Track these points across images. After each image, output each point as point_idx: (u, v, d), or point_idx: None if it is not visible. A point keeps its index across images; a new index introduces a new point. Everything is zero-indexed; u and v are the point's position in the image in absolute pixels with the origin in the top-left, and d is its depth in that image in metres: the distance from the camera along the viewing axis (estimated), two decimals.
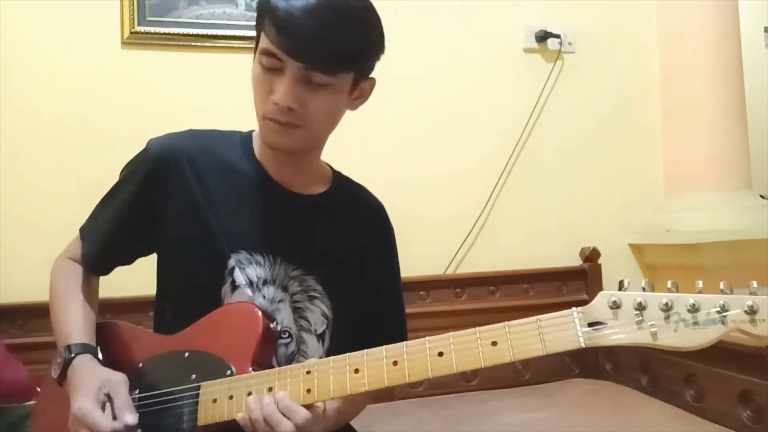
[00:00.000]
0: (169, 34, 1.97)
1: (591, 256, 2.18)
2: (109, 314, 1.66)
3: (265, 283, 1.02)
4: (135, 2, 1.93)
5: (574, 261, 2.22)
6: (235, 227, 1.03)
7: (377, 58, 1.02)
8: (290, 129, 0.97)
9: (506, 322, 0.80)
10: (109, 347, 1.04)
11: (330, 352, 1.03)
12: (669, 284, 0.76)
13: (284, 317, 1.03)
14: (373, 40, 1.00)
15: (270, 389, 0.87)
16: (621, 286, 0.78)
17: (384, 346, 0.85)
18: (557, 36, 2.27)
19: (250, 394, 0.88)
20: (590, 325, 0.77)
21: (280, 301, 1.03)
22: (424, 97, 2.17)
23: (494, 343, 0.80)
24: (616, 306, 0.76)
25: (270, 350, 0.97)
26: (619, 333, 0.76)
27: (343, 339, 1.05)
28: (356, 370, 0.85)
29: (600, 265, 2.18)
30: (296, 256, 1.05)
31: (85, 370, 0.96)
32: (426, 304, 2.06)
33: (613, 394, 1.88)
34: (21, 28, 1.86)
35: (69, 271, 1.11)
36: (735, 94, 2.22)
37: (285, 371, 0.88)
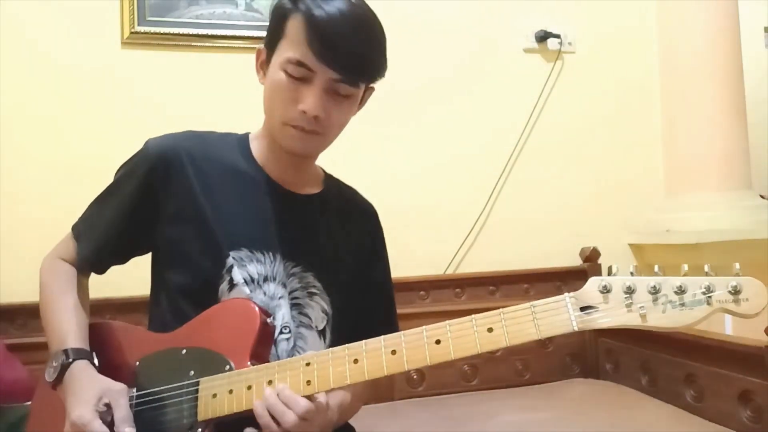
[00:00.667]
0: (169, 34, 1.97)
1: (591, 256, 2.18)
2: (109, 314, 1.68)
3: (265, 279, 1.03)
4: (135, 2, 1.93)
5: (574, 261, 2.22)
6: (236, 225, 1.04)
7: (382, 75, 1.07)
8: (312, 136, 1.01)
9: (501, 309, 0.83)
10: (105, 347, 1.03)
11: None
12: (656, 268, 0.79)
13: (284, 314, 1.04)
14: (386, 52, 1.05)
15: (270, 382, 0.88)
16: (610, 272, 0.81)
17: (382, 336, 0.86)
18: (557, 36, 2.27)
19: (249, 388, 0.88)
20: (582, 309, 0.80)
21: (280, 298, 1.04)
22: (423, 97, 2.17)
23: (490, 330, 0.82)
24: (606, 290, 0.80)
25: (268, 344, 0.97)
26: (610, 316, 0.79)
27: (343, 334, 1.06)
28: (355, 360, 0.86)
29: (600, 265, 2.18)
30: (296, 253, 1.06)
31: (84, 377, 0.96)
32: (426, 304, 2.06)
33: (613, 394, 1.88)
34: (21, 28, 1.87)
35: (60, 272, 1.11)
36: (735, 94, 2.22)
37: (284, 364, 0.89)
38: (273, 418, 0.85)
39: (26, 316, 1.76)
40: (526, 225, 2.23)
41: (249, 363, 0.92)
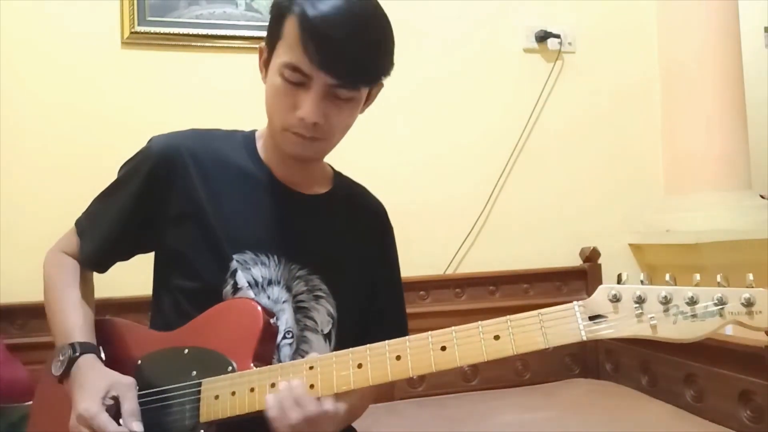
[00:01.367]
0: (169, 34, 1.97)
1: (591, 256, 2.18)
2: (109, 314, 1.66)
3: (269, 283, 1.02)
4: (135, 2, 1.93)
5: (574, 261, 2.22)
6: (240, 228, 1.02)
7: (389, 73, 1.03)
8: (312, 142, 0.98)
9: (508, 316, 0.81)
10: (107, 344, 1.03)
11: None
12: (667, 277, 0.77)
13: (287, 318, 1.02)
14: (392, 51, 1.01)
15: (273, 385, 0.87)
16: (620, 280, 0.79)
17: (387, 341, 0.85)
18: (557, 36, 2.27)
19: (252, 390, 0.88)
20: (591, 318, 0.79)
21: (284, 302, 1.03)
22: (423, 97, 2.17)
23: (497, 337, 0.81)
24: (616, 299, 0.78)
25: (271, 346, 0.97)
26: (619, 326, 0.77)
27: (349, 337, 1.05)
28: (359, 365, 0.85)
29: (600, 265, 2.18)
30: (302, 255, 1.04)
31: (91, 371, 0.95)
32: (426, 304, 2.06)
33: (613, 394, 1.88)
34: (21, 28, 1.87)
35: (64, 265, 1.10)
36: (735, 94, 2.22)
37: (287, 367, 0.89)
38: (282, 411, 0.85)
39: (26, 316, 1.75)
40: (526, 225, 2.23)
41: (252, 364, 0.91)
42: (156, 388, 0.96)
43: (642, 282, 0.78)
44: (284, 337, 1.01)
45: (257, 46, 2.00)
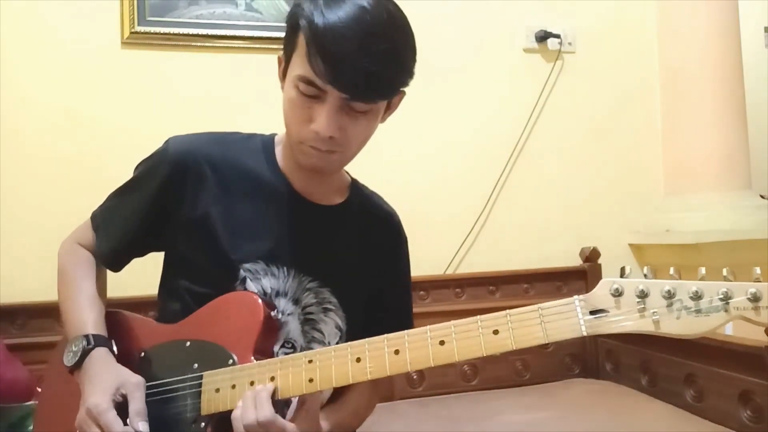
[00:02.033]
0: (169, 34, 1.97)
1: (591, 256, 2.18)
2: None
3: (277, 295, 1.01)
4: (135, 2, 1.93)
5: (574, 261, 2.22)
6: (253, 238, 1.01)
7: (414, 73, 1.00)
8: (329, 155, 0.96)
9: (508, 311, 0.80)
10: (111, 336, 1.03)
11: None
12: (671, 271, 0.74)
13: (291, 330, 1.02)
14: (412, 58, 0.99)
15: (272, 378, 0.87)
16: (622, 273, 0.77)
17: (385, 335, 0.85)
18: (557, 36, 2.27)
19: (252, 383, 0.88)
20: (592, 313, 0.76)
21: (289, 314, 1.02)
22: (423, 97, 2.17)
23: (496, 332, 0.79)
24: (618, 293, 0.75)
25: (271, 339, 0.97)
26: (621, 321, 0.75)
27: None
28: (358, 359, 0.85)
29: (600, 265, 2.18)
30: (313, 267, 1.03)
31: (103, 365, 0.95)
32: (426, 304, 2.06)
33: (613, 394, 1.88)
34: (21, 28, 1.86)
35: (79, 257, 1.10)
36: (735, 94, 2.22)
37: (287, 360, 0.88)
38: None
39: (26, 316, 1.76)
40: (526, 225, 2.23)
41: (252, 358, 0.91)
42: (158, 381, 0.96)
43: (645, 276, 0.76)
44: (282, 346, 1.01)
45: (257, 46, 2.00)
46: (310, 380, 0.86)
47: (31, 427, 1.44)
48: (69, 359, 0.97)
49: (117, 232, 1.08)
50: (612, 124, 2.33)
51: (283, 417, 0.86)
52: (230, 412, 0.89)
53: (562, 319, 0.77)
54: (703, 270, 0.74)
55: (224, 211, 1.01)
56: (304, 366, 0.87)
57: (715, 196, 2.18)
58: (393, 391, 1.93)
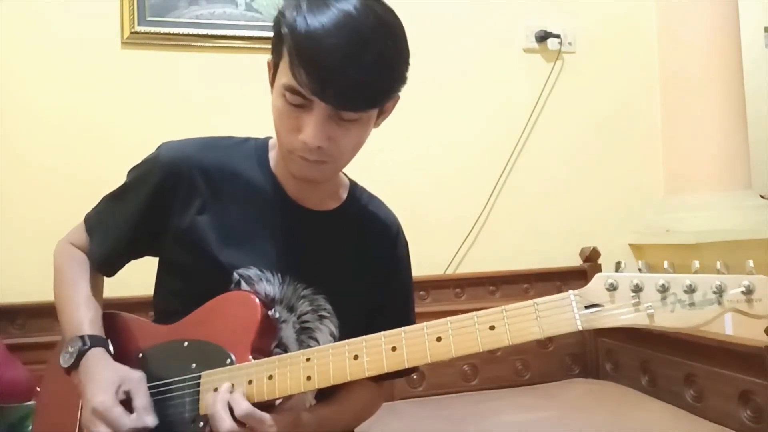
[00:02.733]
0: (169, 34, 1.97)
1: (591, 256, 2.18)
2: None
3: (272, 302, 1.00)
4: (135, 2, 1.93)
5: (574, 261, 2.22)
6: (246, 244, 1.01)
7: (406, 78, 0.96)
8: (318, 165, 0.93)
9: (503, 306, 0.80)
10: (109, 338, 1.03)
11: None
12: (666, 265, 0.75)
13: (285, 337, 1.01)
14: (404, 64, 0.94)
15: (270, 377, 0.87)
16: (618, 268, 0.78)
17: (383, 332, 0.85)
18: (557, 36, 2.27)
19: (250, 382, 0.88)
20: (587, 307, 0.77)
21: (283, 322, 1.01)
22: (424, 97, 2.17)
23: (492, 327, 0.80)
24: (612, 288, 0.76)
25: (269, 338, 0.97)
26: (616, 315, 0.76)
27: None
28: (355, 357, 0.85)
29: (600, 265, 2.18)
30: (307, 274, 1.02)
31: (101, 364, 0.95)
32: (426, 304, 2.06)
33: (613, 394, 1.88)
34: (22, 28, 1.87)
35: (75, 258, 1.10)
36: (735, 94, 2.22)
37: (285, 359, 0.88)
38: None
39: (26, 316, 1.76)
40: (526, 225, 2.23)
41: (250, 356, 0.91)
42: (157, 381, 0.96)
43: (640, 270, 0.76)
44: (276, 347, 1.00)
45: (257, 46, 1.99)
46: (308, 378, 0.86)
47: (30, 427, 1.44)
48: (65, 360, 0.97)
49: (109, 239, 1.07)
50: (612, 124, 2.33)
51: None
52: None
53: (558, 314, 0.78)
54: (697, 263, 0.75)
55: (215, 218, 1.00)
56: (301, 364, 0.87)
57: (715, 196, 2.18)
58: (393, 391, 1.93)
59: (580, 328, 0.77)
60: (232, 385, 0.89)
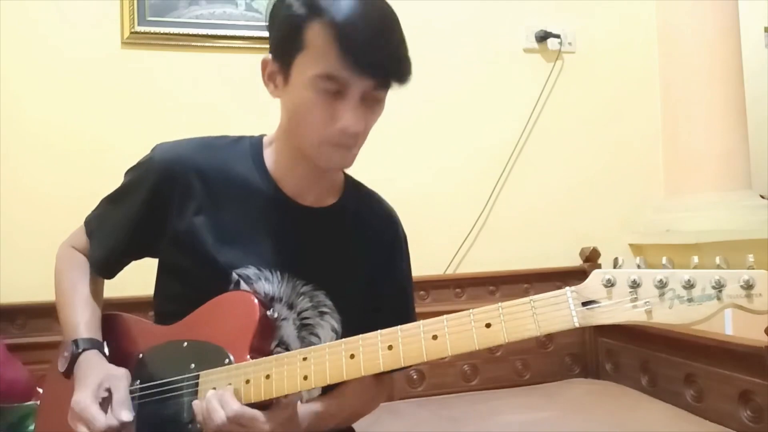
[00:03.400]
0: (169, 34, 1.97)
1: (591, 256, 2.18)
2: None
3: (272, 300, 1.00)
4: (135, 2, 1.93)
5: (574, 261, 2.22)
6: (243, 243, 1.01)
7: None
8: (350, 150, 0.95)
9: (500, 303, 0.79)
10: (110, 339, 1.04)
11: None
12: (664, 260, 0.74)
13: (285, 335, 1.02)
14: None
15: (267, 377, 0.87)
16: (615, 264, 0.76)
17: (379, 331, 0.85)
18: (557, 36, 2.27)
19: (248, 382, 0.88)
20: (584, 304, 0.75)
21: (284, 319, 1.02)
22: (423, 97, 2.17)
23: (488, 325, 0.79)
24: (610, 284, 0.74)
25: (268, 338, 0.97)
26: (613, 311, 0.74)
27: None
28: (352, 356, 0.85)
29: (600, 265, 2.18)
30: (306, 271, 1.02)
31: (90, 366, 0.96)
32: (426, 304, 2.06)
33: (613, 394, 1.88)
34: (21, 28, 1.87)
35: (75, 261, 1.11)
36: (735, 94, 2.22)
37: (282, 358, 0.88)
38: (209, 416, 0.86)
39: (26, 316, 1.76)
40: (526, 225, 2.23)
41: (248, 357, 0.92)
42: (156, 381, 0.97)
43: (638, 266, 0.75)
44: (277, 346, 1.01)
45: (257, 46, 1.98)
46: (305, 377, 0.86)
47: (31, 427, 1.44)
48: (62, 365, 0.99)
49: (108, 241, 1.08)
50: (612, 124, 2.33)
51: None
52: None
53: (554, 311, 0.76)
54: (696, 259, 0.73)
55: (212, 219, 1.00)
56: (298, 363, 0.87)
57: (715, 196, 2.18)
58: (393, 391, 1.93)
59: (577, 325, 0.75)
60: (229, 385, 0.89)
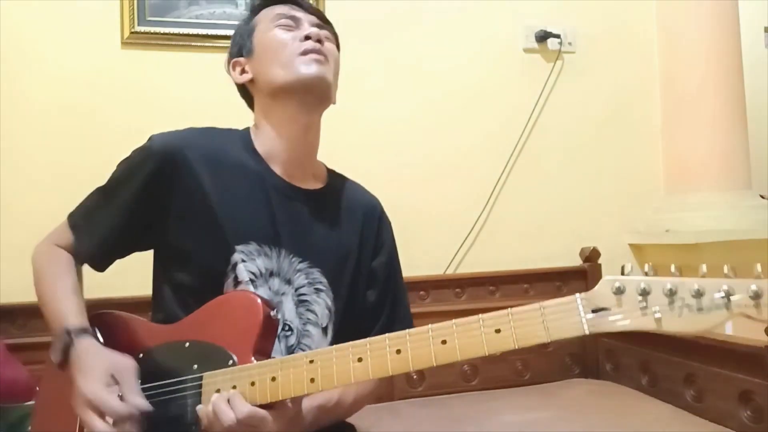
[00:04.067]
0: (169, 34, 1.97)
1: (591, 256, 2.18)
2: None
3: (271, 274, 1.04)
4: (135, 2, 1.93)
5: (574, 261, 2.22)
6: (245, 220, 1.04)
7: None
8: (323, 61, 1.08)
9: (509, 309, 0.80)
10: (109, 338, 1.03)
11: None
12: (672, 268, 0.74)
13: (286, 310, 1.04)
14: None
15: (273, 379, 0.87)
16: (623, 271, 0.76)
17: (387, 334, 0.85)
18: (557, 36, 2.27)
19: (253, 384, 0.88)
20: (594, 311, 0.76)
21: (283, 294, 1.04)
22: (423, 97, 2.17)
23: (498, 331, 0.79)
24: (619, 292, 0.75)
25: (271, 339, 0.97)
26: (623, 319, 0.75)
27: (345, 332, 1.06)
28: (359, 359, 0.85)
29: (600, 265, 2.18)
30: (302, 248, 1.07)
31: (90, 354, 0.95)
32: (426, 304, 2.06)
33: (613, 394, 1.88)
34: (21, 28, 1.87)
35: (57, 256, 1.10)
36: (735, 94, 2.22)
37: (288, 361, 0.89)
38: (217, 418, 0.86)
39: (26, 316, 1.75)
40: (526, 225, 2.23)
41: (252, 358, 0.91)
42: (158, 382, 0.96)
43: (646, 274, 0.75)
44: (281, 329, 1.02)
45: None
46: (312, 380, 0.86)
47: (30, 428, 1.43)
48: (55, 356, 0.98)
49: (102, 229, 1.08)
50: (612, 124, 2.33)
51: None
52: None
53: (564, 318, 0.77)
54: (704, 267, 0.73)
55: (214, 197, 1.04)
56: (305, 366, 0.87)
57: (715, 196, 2.18)
58: (393, 391, 1.93)
59: (587, 332, 0.76)
60: (234, 387, 0.89)
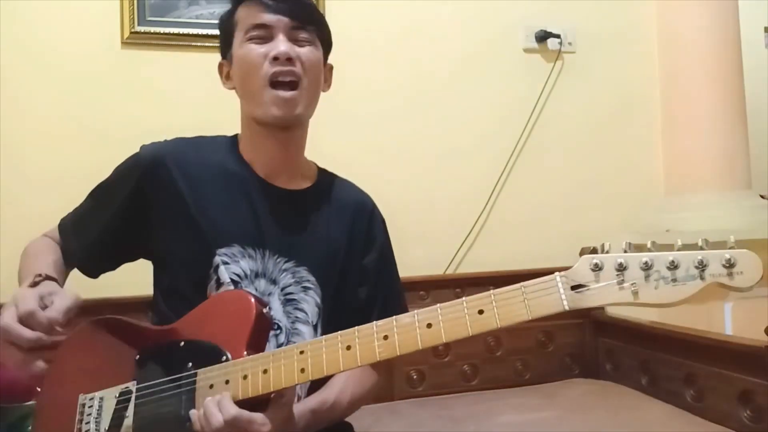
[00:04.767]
0: (169, 34, 1.97)
1: None
2: (108, 314, 1.67)
3: (257, 275, 1.06)
4: (135, 2, 1.93)
5: (574, 261, 2.20)
6: (226, 223, 1.07)
7: (330, 37, 1.16)
8: (293, 93, 1.06)
9: (491, 291, 0.82)
10: (106, 342, 1.04)
11: None
12: (649, 243, 0.77)
13: (273, 309, 1.05)
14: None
15: (265, 371, 0.88)
16: (603, 249, 0.79)
17: (375, 322, 0.87)
18: (557, 36, 2.27)
19: (245, 377, 0.89)
20: (573, 288, 0.79)
21: (269, 294, 1.06)
22: (423, 97, 2.17)
23: (481, 312, 0.82)
24: (597, 268, 0.78)
25: (264, 335, 0.98)
26: (600, 294, 0.77)
27: (337, 329, 1.05)
28: (348, 347, 0.86)
29: None
30: (287, 248, 1.08)
31: (44, 285, 0.97)
32: (426, 304, 2.02)
33: (613, 394, 1.88)
34: (21, 28, 1.87)
35: (41, 240, 1.16)
36: (735, 95, 2.22)
37: (279, 353, 0.90)
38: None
39: None
40: (526, 225, 2.23)
41: (245, 354, 0.92)
42: (154, 381, 0.97)
43: (625, 250, 0.77)
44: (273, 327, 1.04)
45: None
46: (302, 370, 0.87)
47: (30, 428, 1.43)
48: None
49: (89, 232, 1.13)
50: (612, 124, 2.33)
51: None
52: None
53: (545, 296, 0.80)
54: (680, 241, 0.76)
55: (195, 202, 1.07)
56: (295, 357, 0.88)
57: (715, 196, 2.18)
58: (392, 390, 1.93)
59: (567, 308, 0.78)
60: (226, 382, 0.90)
